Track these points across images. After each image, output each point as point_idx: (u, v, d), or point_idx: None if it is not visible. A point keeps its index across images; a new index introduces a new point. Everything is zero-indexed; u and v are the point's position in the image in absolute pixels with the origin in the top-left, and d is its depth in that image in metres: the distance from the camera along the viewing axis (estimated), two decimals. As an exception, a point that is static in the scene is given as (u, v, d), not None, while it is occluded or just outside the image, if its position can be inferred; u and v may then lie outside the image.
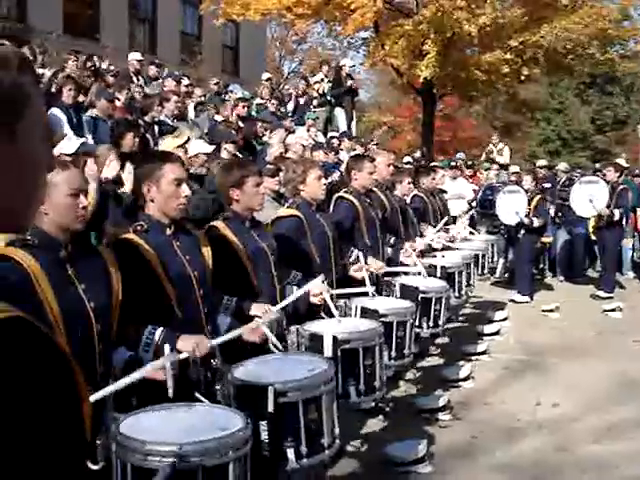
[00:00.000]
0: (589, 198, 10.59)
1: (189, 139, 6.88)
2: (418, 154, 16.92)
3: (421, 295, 5.64)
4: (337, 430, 3.26)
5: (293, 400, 3.02)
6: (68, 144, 5.82)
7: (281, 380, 3.06)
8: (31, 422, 0.92)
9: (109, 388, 2.64)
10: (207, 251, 3.59)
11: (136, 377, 2.75)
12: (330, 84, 14.66)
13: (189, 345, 3.14)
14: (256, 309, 3.89)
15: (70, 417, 1.00)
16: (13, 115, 1.07)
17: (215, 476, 2.41)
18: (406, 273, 6.13)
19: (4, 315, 0.93)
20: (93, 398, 2.42)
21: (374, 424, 5.87)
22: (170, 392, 2.80)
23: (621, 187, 11.02)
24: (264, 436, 2.98)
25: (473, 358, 7.67)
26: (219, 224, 4.10)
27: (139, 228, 3.37)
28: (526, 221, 10.47)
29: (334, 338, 3.87)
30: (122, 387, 2.68)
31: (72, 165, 2.87)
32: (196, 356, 3.16)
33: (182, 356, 3.11)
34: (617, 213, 10.79)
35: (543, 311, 10.00)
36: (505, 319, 9.41)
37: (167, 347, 2.99)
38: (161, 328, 3.17)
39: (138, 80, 12.02)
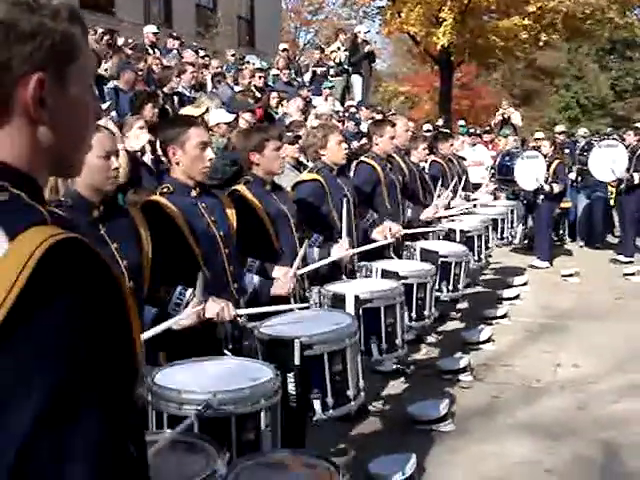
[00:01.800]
0: (609, 165, 10.55)
1: (208, 109, 6.95)
2: (439, 122, 16.85)
3: (441, 259, 5.72)
4: (362, 383, 3.36)
5: (319, 353, 3.12)
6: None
7: (307, 334, 3.15)
8: (86, 335, 0.97)
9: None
10: (231, 213, 3.67)
11: (162, 328, 2.86)
12: (346, 53, 14.62)
13: (215, 309, 3.23)
14: (278, 272, 3.97)
15: (121, 338, 1.04)
16: (65, 62, 1.13)
17: (248, 423, 2.51)
18: (426, 238, 6.21)
19: (62, 236, 1.00)
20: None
21: (396, 386, 5.96)
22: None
23: (641, 151, 10.96)
24: (291, 388, 3.07)
25: (493, 322, 7.72)
26: (240, 187, 4.16)
27: (165, 190, 3.45)
28: (546, 188, 10.45)
29: (356, 297, 3.96)
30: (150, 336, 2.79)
31: (103, 128, 2.95)
32: (220, 320, 3.26)
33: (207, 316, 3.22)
34: (637, 177, 10.73)
35: (563, 276, 10.01)
36: (525, 284, 9.44)
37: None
38: (191, 289, 3.25)
39: (154, 52, 12.07)
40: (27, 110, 1.09)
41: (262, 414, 2.53)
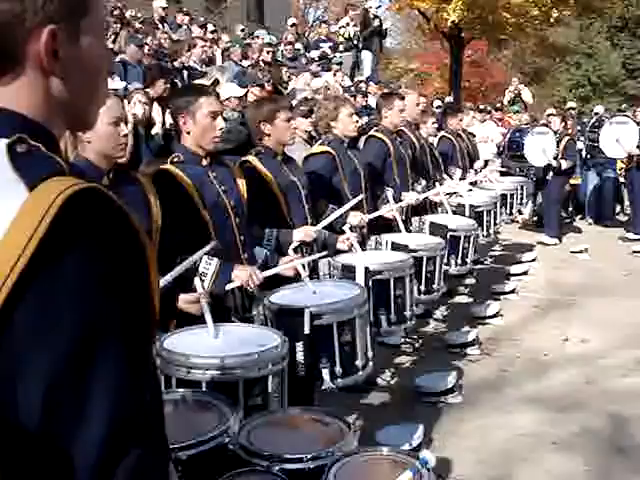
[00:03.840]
0: (617, 138, 10.49)
1: (218, 81, 6.94)
2: (448, 98, 16.76)
3: (450, 233, 5.73)
4: (370, 353, 3.38)
5: (328, 322, 3.14)
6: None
7: (316, 303, 3.16)
8: (108, 280, 0.99)
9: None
10: (242, 183, 3.67)
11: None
12: (355, 28, 14.53)
13: (244, 275, 3.26)
14: (298, 235, 4.01)
15: (141, 286, 1.05)
16: (78, 14, 1.13)
17: (255, 388, 2.54)
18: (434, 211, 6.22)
19: (83, 186, 1.00)
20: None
21: (404, 359, 6.00)
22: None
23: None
24: (300, 357, 3.09)
25: (502, 297, 7.73)
26: (251, 158, 4.17)
27: (176, 159, 3.46)
28: (554, 163, 10.41)
29: (366, 269, 3.97)
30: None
31: (112, 94, 2.95)
32: (249, 286, 3.28)
33: (231, 285, 3.24)
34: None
35: (572, 252, 10.00)
36: (533, 260, 9.44)
37: (197, 281, 3.10)
38: (216, 258, 3.26)
39: (164, 27, 12.03)
40: (40, 62, 1.10)
41: (270, 379, 2.56)
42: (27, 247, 0.94)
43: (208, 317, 2.88)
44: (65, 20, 1.11)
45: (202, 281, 3.13)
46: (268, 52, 11.52)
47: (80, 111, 1.21)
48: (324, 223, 4.15)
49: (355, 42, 14.39)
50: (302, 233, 4.06)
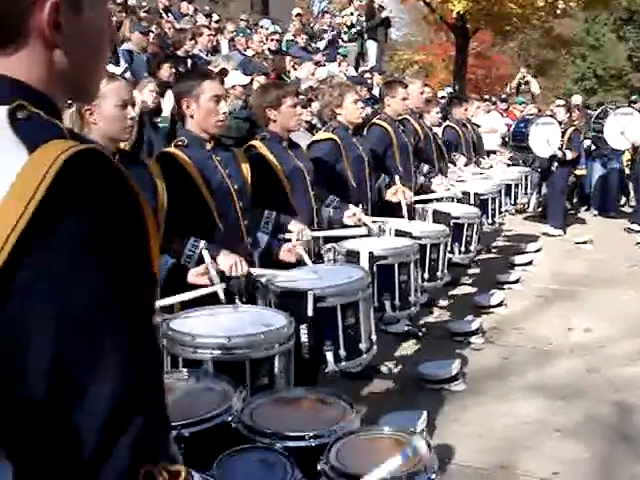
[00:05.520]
0: (622, 131, 10.47)
1: (226, 70, 6.93)
2: (448, 89, 16.72)
3: (453, 220, 5.72)
4: (374, 337, 3.38)
5: (332, 305, 3.13)
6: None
7: (320, 286, 3.16)
8: (109, 241, 0.99)
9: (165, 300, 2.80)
10: (246, 167, 3.67)
11: (188, 297, 2.89)
12: (359, 16, 14.50)
13: (228, 263, 3.25)
14: (294, 226, 3.99)
15: (140, 249, 1.06)
16: None
17: (262, 368, 2.54)
18: (439, 199, 6.21)
19: (83, 147, 1.00)
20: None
21: (407, 347, 6.00)
22: (220, 295, 2.93)
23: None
24: (304, 340, 3.09)
25: (506, 287, 7.73)
26: (256, 143, 4.16)
27: (180, 143, 3.46)
28: (559, 153, 10.39)
29: (370, 254, 3.97)
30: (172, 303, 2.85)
31: (120, 77, 2.95)
32: (232, 274, 3.28)
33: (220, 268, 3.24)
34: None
35: (576, 243, 9.99)
36: (538, 251, 9.42)
37: (206, 253, 3.11)
38: (203, 241, 3.27)
39: (168, 16, 12.03)
40: (42, 34, 1.10)
41: (276, 359, 2.56)
42: (28, 207, 0.94)
43: (216, 280, 2.92)
44: None
45: (188, 263, 3.15)
46: (272, 40, 11.51)
47: (81, 83, 1.21)
48: (321, 234, 4.16)
49: (360, 31, 14.33)
50: (295, 232, 3.97)
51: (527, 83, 16.53)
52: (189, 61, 8.78)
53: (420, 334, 6.16)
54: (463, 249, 5.95)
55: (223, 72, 6.80)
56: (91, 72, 1.22)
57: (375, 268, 3.96)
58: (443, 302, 7.16)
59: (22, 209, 0.94)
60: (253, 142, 4.20)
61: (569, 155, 10.49)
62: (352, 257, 4.02)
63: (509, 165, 9.13)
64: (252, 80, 7.74)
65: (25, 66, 1.11)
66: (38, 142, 1.00)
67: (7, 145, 1.01)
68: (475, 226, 6.05)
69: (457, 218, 5.83)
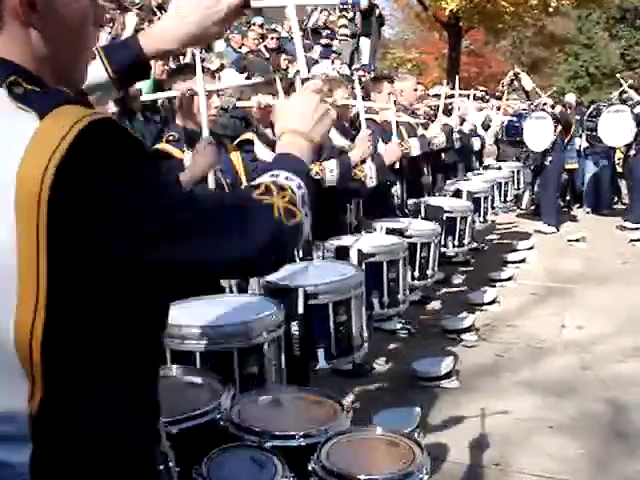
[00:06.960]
0: (618, 129, 10.48)
1: (223, 66, 6.91)
2: (438, 87, 16.69)
3: (446, 214, 5.73)
4: (365, 334, 3.36)
5: (323, 302, 3.11)
6: None
7: (312, 283, 3.14)
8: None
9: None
10: (235, 156, 3.65)
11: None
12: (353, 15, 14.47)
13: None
14: None
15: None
16: None
17: (251, 357, 2.52)
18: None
19: (99, 117, 1.03)
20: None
21: (400, 344, 5.98)
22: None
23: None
24: (295, 337, 3.07)
25: (499, 284, 7.72)
26: (251, 136, 4.12)
27: (171, 138, 3.43)
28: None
29: (359, 251, 3.95)
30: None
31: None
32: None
33: None
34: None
35: (569, 241, 9.99)
36: (531, 248, 9.42)
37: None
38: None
39: (161, 13, 11.96)
40: (17, 14, 1.09)
41: (265, 347, 2.54)
42: (48, 167, 0.98)
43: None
44: None
45: None
46: (272, 38, 11.46)
47: (64, 67, 1.19)
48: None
49: (354, 29, 14.29)
50: None
51: (519, 80, 16.50)
52: (181, 58, 8.72)
53: (412, 331, 6.14)
54: (457, 242, 5.97)
55: (220, 68, 6.80)
56: (74, 56, 1.20)
57: (364, 265, 3.93)
58: (436, 300, 7.15)
59: (42, 171, 0.98)
60: (247, 135, 4.16)
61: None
62: (341, 254, 4.00)
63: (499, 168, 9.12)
64: (249, 77, 7.71)
65: (10, 48, 1.11)
66: (50, 107, 1.02)
67: (12, 113, 1.03)
68: (468, 219, 6.08)
69: (450, 212, 5.84)
